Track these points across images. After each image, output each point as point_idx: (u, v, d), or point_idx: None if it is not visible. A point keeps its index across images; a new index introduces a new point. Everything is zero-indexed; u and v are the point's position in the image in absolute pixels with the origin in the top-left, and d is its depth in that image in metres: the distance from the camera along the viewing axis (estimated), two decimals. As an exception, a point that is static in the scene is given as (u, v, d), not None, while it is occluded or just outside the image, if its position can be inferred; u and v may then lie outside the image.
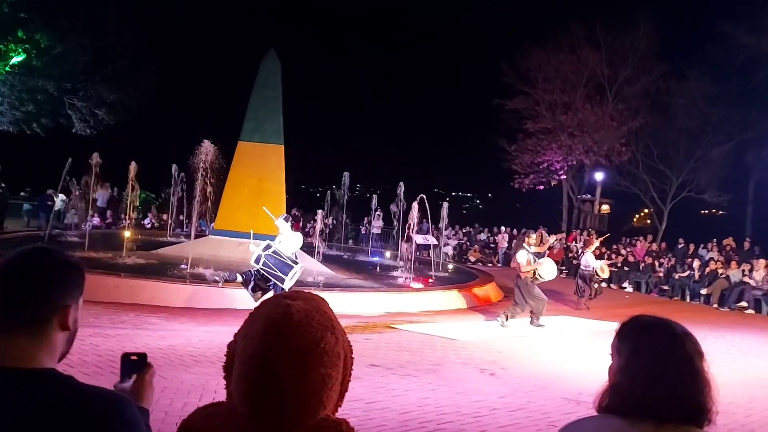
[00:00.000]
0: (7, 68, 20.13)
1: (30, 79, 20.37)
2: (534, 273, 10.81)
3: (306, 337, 1.25)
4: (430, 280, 15.08)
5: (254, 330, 1.30)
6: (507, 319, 10.77)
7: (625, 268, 19.48)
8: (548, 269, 10.97)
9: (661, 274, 18.43)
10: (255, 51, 18.31)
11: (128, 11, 22.60)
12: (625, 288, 18.75)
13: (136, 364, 1.59)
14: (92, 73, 22.18)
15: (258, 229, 15.81)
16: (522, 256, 10.83)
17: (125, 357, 1.60)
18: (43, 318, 1.37)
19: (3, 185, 22.71)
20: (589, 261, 14.30)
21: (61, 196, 23.20)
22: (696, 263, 17.74)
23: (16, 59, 20.21)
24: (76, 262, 1.47)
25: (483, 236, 26.07)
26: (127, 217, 18.74)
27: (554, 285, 17.10)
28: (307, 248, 17.00)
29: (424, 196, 16.60)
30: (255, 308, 1.35)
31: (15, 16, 19.07)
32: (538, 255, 11.41)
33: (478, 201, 68.59)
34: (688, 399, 1.49)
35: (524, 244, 11.02)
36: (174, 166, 18.74)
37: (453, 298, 13.42)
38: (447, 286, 14.73)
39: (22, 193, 24.97)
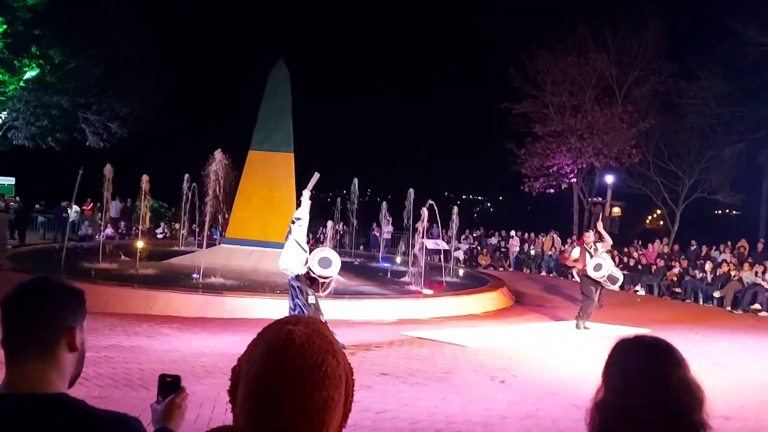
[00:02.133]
0: (22, 84, 20.46)
1: (44, 95, 20.71)
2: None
3: (308, 360, 1.30)
4: (441, 286, 15.11)
5: (257, 354, 1.36)
6: (583, 322, 11.39)
7: (639, 269, 19.39)
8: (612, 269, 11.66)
9: (674, 277, 18.30)
10: (265, 60, 18.53)
11: (140, 25, 22.91)
12: (637, 291, 18.65)
13: (170, 386, 1.65)
14: (105, 87, 22.51)
15: (268, 236, 16.06)
16: (576, 251, 11.87)
17: (162, 378, 1.67)
18: (52, 339, 1.46)
19: (18, 199, 23.11)
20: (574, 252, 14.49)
21: (75, 208, 23.55)
22: (708, 265, 17.61)
23: (30, 75, 20.55)
24: (76, 288, 1.56)
25: (494, 240, 26.04)
26: (139, 227, 18.99)
27: (571, 289, 17.10)
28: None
29: (433, 203, 16.63)
30: (258, 333, 1.41)
31: (29, 33, 19.41)
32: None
33: (488, 204, 68.49)
34: (667, 408, 1.49)
35: (584, 245, 11.81)
36: (186, 176, 18.93)
37: (464, 304, 13.44)
38: (458, 291, 14.75)
39: (37, 206, 25.35)
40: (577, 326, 11.41)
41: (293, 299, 8.40)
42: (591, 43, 26.96)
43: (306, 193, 8.89)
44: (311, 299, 8.23)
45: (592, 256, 11.55)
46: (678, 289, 17.88)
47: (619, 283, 12.10)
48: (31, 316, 1.45)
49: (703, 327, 12.64)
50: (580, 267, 11.94)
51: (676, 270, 18.43)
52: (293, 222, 8.65)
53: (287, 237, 8.62)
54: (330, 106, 44.22)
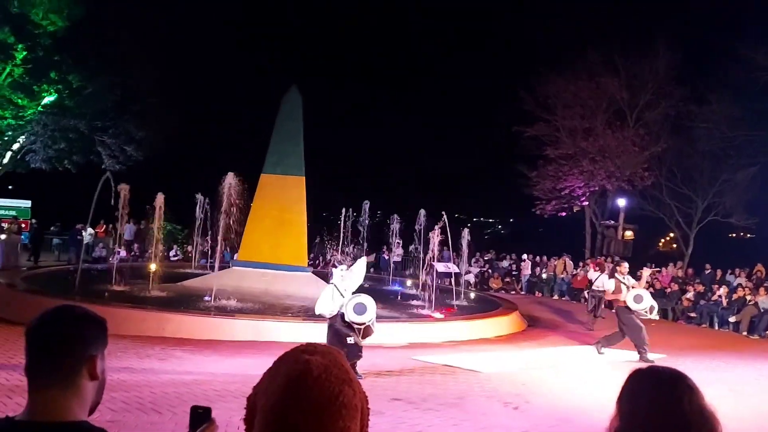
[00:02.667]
0: (40, 108, 20.87)
1: (62, 119, 21.09)
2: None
3: (325, 391, 1.32)
4: (452, 310, 15.04)
5: (275, 385, 1.38)
6: (602, 347, 11.39)
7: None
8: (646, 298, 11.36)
9: (689, 302, 18.10)
10: (278, 86, 18.78)
11: (156, 51, 23.35)
12: (651, 315, 18.45)
13: (201, 417, 1.66)
14: (121, 111, 22.90)
15: (279, 259, 16.12)
16: (610, 283, 11.69)
17: (193, 410, 1.68)
18: (73, 368, 1.49)
19: (34, 221, 23.40)
20: (603, 282, 14.57)
21: (90, 230, 23.79)
22: (723, 290, 17.42)
23: (49, 99, 20.97)
24: (98, 317, 1.59)
25: (505, 264, 25.93)
26: (153, 249, 19.11)
27: (584, 314, 16.94)
28: (329, 278, 17.13)
29: (446, 222, 16.57)
30: (274, 362, 1.43)
31: (49, 58, 19.86)
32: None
33: (500, 227, 68.28)
34: None
35: (617, 274, 11.69)
36: (198, 196, 19.05)
37: (476, 328, 13.35)
38: (470, 315, 14.67)
39: (52, 228, 25.64)
40: (644, 359, 10.62)
41: (329, 339, 8.45)
42: (601, 68, 27.07)
43: (364, 259, 9.40)
44: (350, 340, 8.36)
45: (628, 288, 11.37)
46: (693, 314, 17.67)
47: (656, 311, 12.03)
48: (53, 346, 1.48)
49: (718, 352, 12.48)
50: (615, 298, 11.61)
51: (690, 294, 18.24)
52: (339, 271, 8.96)
53: (329, 281, 8.99)
54: (340, 128, 44.57)
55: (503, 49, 45.07)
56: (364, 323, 8.48)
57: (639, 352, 10.93)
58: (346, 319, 8.42)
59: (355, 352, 8.21)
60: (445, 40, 53.52)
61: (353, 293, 8.74)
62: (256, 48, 44.42)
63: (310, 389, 1.31)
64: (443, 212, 16.43)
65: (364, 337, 8.61)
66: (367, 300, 8.58)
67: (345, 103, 46.36)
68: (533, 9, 44.01)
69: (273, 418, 1.32)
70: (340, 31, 47.00)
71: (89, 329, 1.54)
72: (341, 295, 8.56)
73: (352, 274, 8.97)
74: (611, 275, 11.98)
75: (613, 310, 12.38)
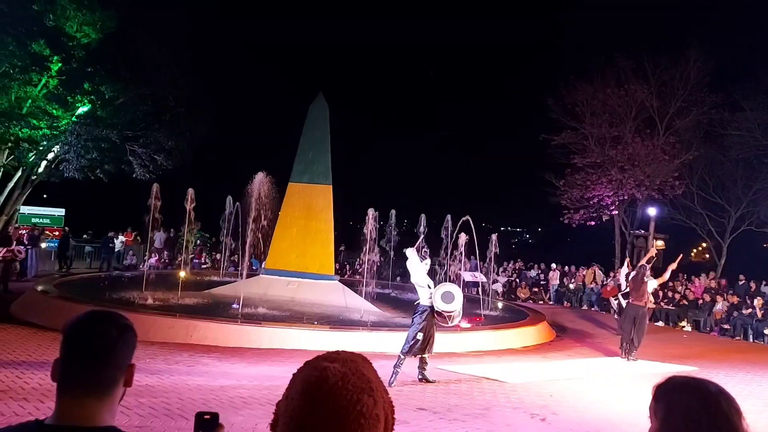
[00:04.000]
0: (74, 118, 21.38)
1: (95, 129, 21.55)
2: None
3: (342, 399, 1.31)
4: (479, 319, 14.92)
5: (294, 392, 1.38)
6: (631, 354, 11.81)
7: (684, 304, 18.80)
8: None
9: (721, 315, 17.66)
10: (305, 95, 18.94)
11: (184, 62, 23.78)
12: (684, 327, 18.07)
13: (208, 424, 1.65)
14: (152, 121, 23.33)
15: (306, 267, 16.20)
16: (651, 286, 12.42)
17: (198, 416, 1.67)
18: (112, 378, 1.50)
19: (66, 229, 23.95)
20: (622, 281, 14.67)
21: (121, 238, 24.27)
22: (758, 301, 16.97)
23: (82, 110, 21.48)
24: (131, 324, 1.60)
25: (533, 273, 25.66)
26: (182, 257, 19.38)
27: (614, 323, 16.67)
28: (355, 286, 17.16)
29: (473, 229, 16.44)
30: (299, 368, 1.43)
31: (83, 70, 20.35)
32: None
33: (527, 236, 67.70)
34: None
35: (646, 278, 12.21)
36: (228, 199, 19.18)
37: (503, 338, 13.22)
38: (497, 325, 14.54)
39: (84, 236, 26.17)
40: (626, 356, 11.89)
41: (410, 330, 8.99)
42: (630, 75, 26.69)
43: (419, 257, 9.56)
44: (419, 335, 8.81)
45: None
46: (726, 326, 17.25)
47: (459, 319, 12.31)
48: (96, 355, 1.48)
49: (753, 365, 12.16)
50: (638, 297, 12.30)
51: (723, 305, 17.81)
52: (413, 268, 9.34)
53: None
54: (367, 137, 44.77)
55: (531, 57, 44.86)
56: (455, 311, 8.90)
57: (628, 349, 11.80)
58: (436, 308, 8.85)
59: (415, 348, 8.75)
60: (471, 44, 53.48)
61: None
62: (284, 57, 45.00)
63: (327, 396, 1.31)
64: (468, 217, 16.29)
65: (451, 323, 9.14)
66: (454, 288, 9.15)
67: (372, 111, 46.59)
68: (560, 17, 43.79)
69: (291, 424, 1.32)
70: (369, 41, 47.32)
71: (128, 338, 1.55)
72: (426, 287, 9.04)
73: (420, 272, 9.27)
74: (642, 280, 12.24)
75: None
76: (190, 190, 16.11)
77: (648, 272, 12.32)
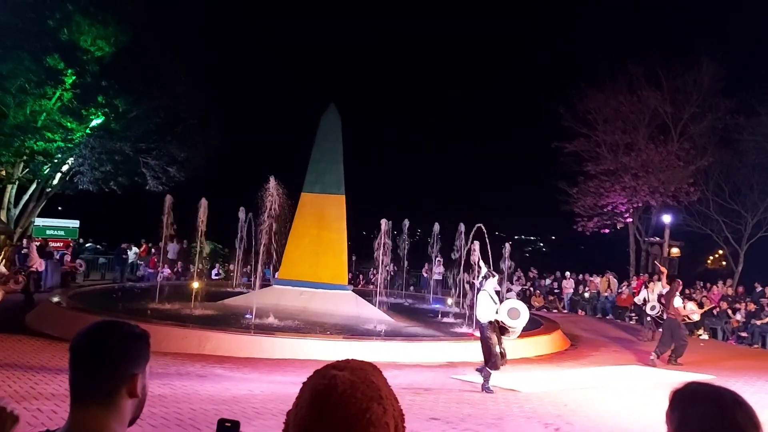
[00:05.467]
0: (88, 131, 21.63)
1: (109, 141, 21.80)
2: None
3: (350, 408, 1.29)
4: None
5: (303, 400, 1.36)
6: (657, 357, 12.53)
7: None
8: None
9: (737, 323, 17.40)
10: (317, 106, 19.02)
11: (197, 74, 24.01)
12: (701, 335, 17.82)
13: (228, 431, 1.65)
14: (164, 133, 23.55)
15: (318, 277, 16.19)
16: (678, 301, 13.19)
17: (220, 423, 1.67)
18: (113, 389, 1.49)
19: (81, 241, 24.17)
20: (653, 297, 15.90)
21: (135, 249, 24.44)
22: (776, 308, 16.72)
23: (96, 122, 21.73)
24: (142, 333, 1.59)
25: (547, 282, 25.47)
26: (196, 268, 19.45)
27: (628, 332, 16.49)
28: (368, 296, 17.13)
29: (486, 237, 16.34)
30: (308, 377, 1.41)
31: (96, 84, 20.62)
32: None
33: (541, 244, 67.35)
34: None
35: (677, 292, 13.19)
36: (241, 211, 19.29)
37: (517, 347, 13.06)
38: (510, 334, 14.40)
39: (98, 247, 26.39)
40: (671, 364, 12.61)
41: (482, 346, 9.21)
42: (643, 81, 26.51)
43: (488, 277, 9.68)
44: (497, 348, 9.01)
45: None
46: (744, 334, 16.99)
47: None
48: (97, 365, 1.49)
49: (771, 374, 11.93)
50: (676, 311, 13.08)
51: (740, 313, 17.55)
52: (485, 278, 9.56)
53: (479, 290, 9.67)
54: (380, 147, 44.87)
55: (542, 64, 44.79)
56: (516, 327, 9.14)
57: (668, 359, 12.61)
58: (501, 323, 9.03)
59: (496, 363, 8.92)
60: (484, 54, 53.54)
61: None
62: (297, 68, 45.27)
63: (335, 405, 1.29)
64: (480, 224, 16.20)
65: (511, 336, 9.31)
66: (520, 306, 9.30)
67: (385, 122, 46.71)
68: (572, 23, 43.76)
69: (299, 432, 1.31)
70: (380, 53, 47.55)
71: (135, 347, 1.54)
72: (494, 302, 9.18)
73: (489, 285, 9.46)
74: (674, 294, 13.14)
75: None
76: (203, 201, 16.21)
77: (676, 290, 13.32)
